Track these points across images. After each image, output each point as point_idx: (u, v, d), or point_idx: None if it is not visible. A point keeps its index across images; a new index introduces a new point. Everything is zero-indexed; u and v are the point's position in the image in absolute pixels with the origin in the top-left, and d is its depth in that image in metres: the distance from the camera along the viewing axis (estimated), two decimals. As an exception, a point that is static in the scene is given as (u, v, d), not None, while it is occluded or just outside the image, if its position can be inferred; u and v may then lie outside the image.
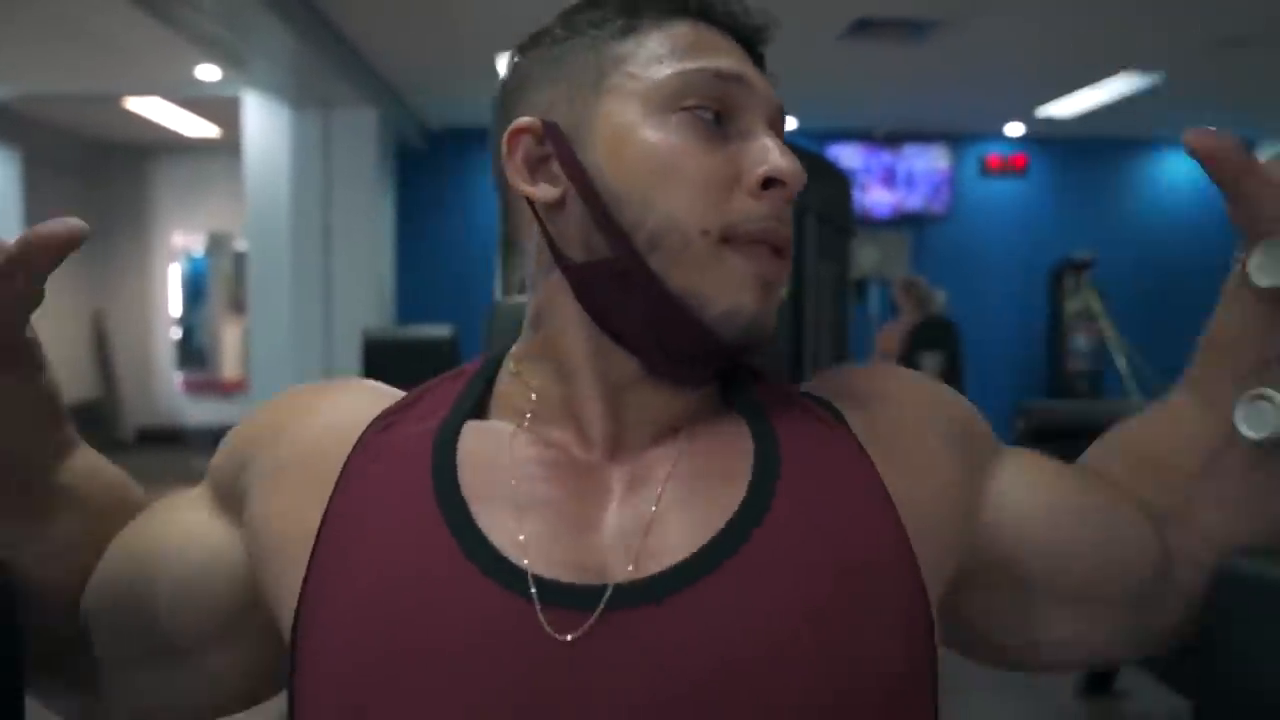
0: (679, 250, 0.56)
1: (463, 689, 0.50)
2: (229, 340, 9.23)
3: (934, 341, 5.43)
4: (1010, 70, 5.76)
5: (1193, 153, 0.60)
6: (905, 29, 4.66)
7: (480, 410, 0.63)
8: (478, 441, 0.59)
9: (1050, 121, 7.06)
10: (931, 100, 6.62)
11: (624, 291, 0.57)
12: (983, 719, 3.19)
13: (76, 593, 0.64)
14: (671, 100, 0.58)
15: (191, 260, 8.72)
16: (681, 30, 0.61)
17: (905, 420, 0.62)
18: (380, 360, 1.89)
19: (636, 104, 0.58)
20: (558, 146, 0.59)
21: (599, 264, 0.57)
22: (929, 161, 7.64)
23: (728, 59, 0.61)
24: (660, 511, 0.55)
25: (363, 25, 4.95)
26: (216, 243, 8.89)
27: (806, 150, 2.60)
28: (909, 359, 5.29)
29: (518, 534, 0.53)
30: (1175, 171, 7.52)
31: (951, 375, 5.40)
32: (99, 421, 7.77)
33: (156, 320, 8.52)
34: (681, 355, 0.59)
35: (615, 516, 0.55)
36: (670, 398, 0.60)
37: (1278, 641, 0.57)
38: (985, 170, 7.78)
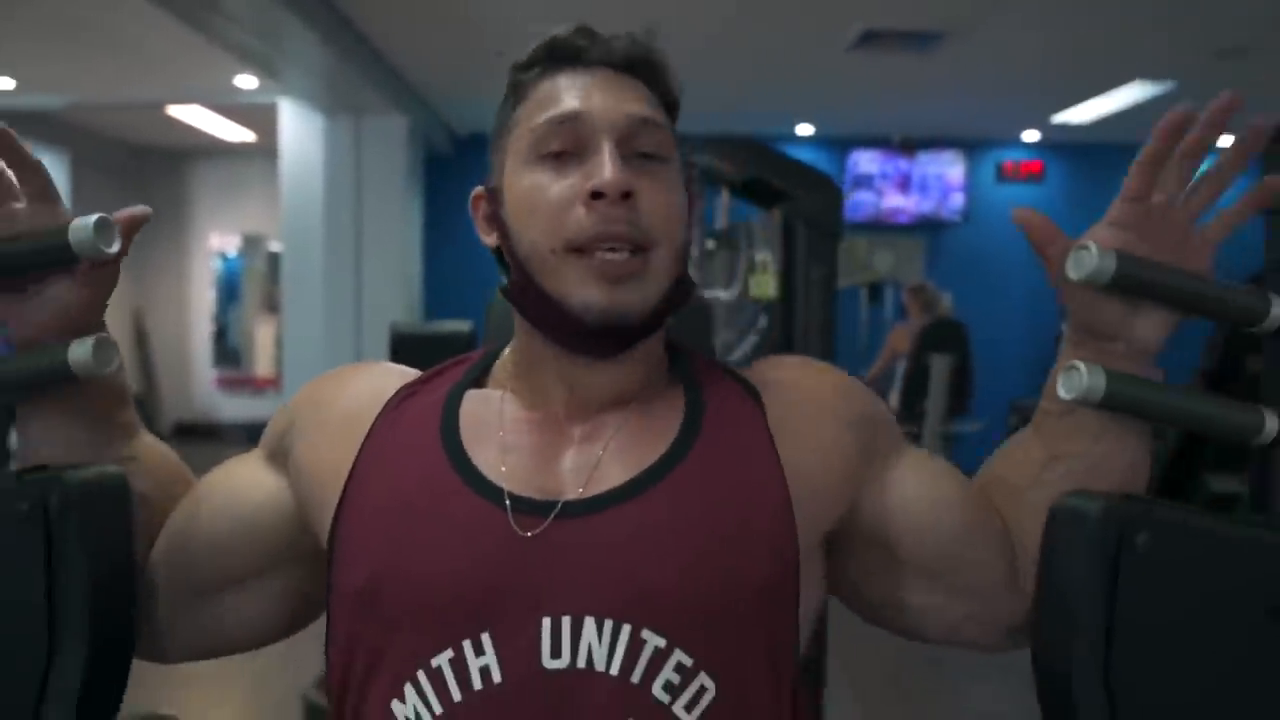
0: (542, 266, 0.73)
1: (452, 566, 0.69)
2: (262, 339, 9.47)
3: (944, 343, 5.56)
4: (1023, 78, 5.87)
5: (1019, 226, 0.77)
6: (911, 40, 4.79)
7: (480, 384, 0.81)
8: (475, 404, 0.78)
9: (1065, 128, 7.15)
10: (946, 107, 6.73)
11: (525, 301, 0.75)
12: (970, 700, 3.32)
13: (143, 550, 0.80)
14: (530, 152, 0.75)
15: (225, 260, 8.97)
16: (544, 88, 0.76)
17: (808, 405, 0.79)
18: (406, 351, 2.09)
19: (516, 161, 0.76)
20: (490, 206, 0.79)
21: (510, 285, 0.77)
22: (945, 167, 7.74)
23: (570, 100, 0.74)
24: (605, 455, 0.74)
25: (392, 36, 5.15)
26: (251, 244, 9.12)
27: (793, 160, 2.77)
28: (919, 359, 5.43)
29: (500, 466, 0.73)
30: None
31: (961, 375, 5.53)
32: (139, 415, 8.02)
33: (193, 319, 8.76)
34: (575, 340, 0.74)
35: (572, 457, 0.74)
36: (609, 374, 0.76)
37: (1081, 556, 0.73)
38: (1001, 176, 7.87)
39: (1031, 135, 7.64)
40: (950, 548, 0.79)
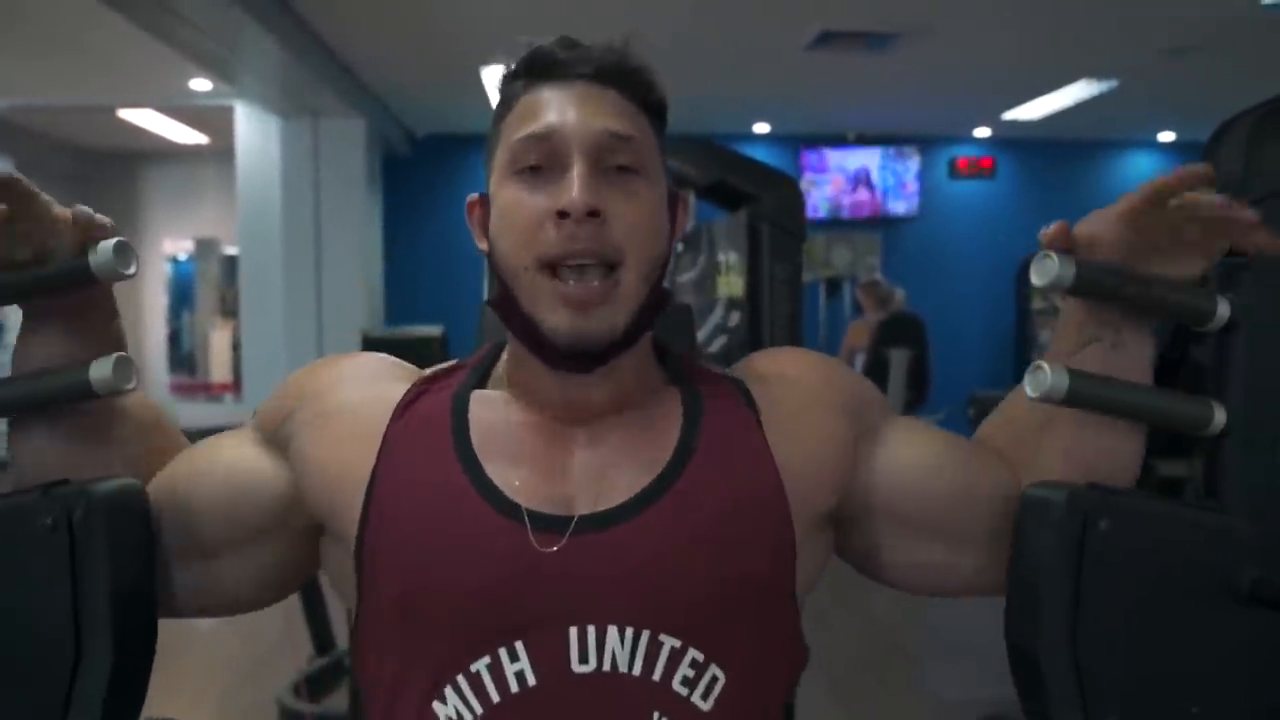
0: (517, 282, 0.76)
1: (483, 583, 0.73)
2: (217, 344, 9.34)
3: (902, 337, 5.66)
4: (975, 77, 6.00)
5: (1044, 244, 0.78)
6: (867, 40, 4.88)
7: (483, 383, 0.84)
8: (482, 409, 0.81)
9: (1016, 124, 7.31)
10: (901, 105, 6.85)
11: (507, 315, 0.78)
12: (938, 686, 3.40)
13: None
14: (509, 168, 0.77)
15: (178, 265, 8.83)
16: (524, 102, 0.78)
17: (798, 398, 0.83)
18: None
19: (498, 174, 0.79)
20: (482, 214, 0.82)
21: (496, 297, 0.80)
22: (899, 163, 7.87)
23: (546, 117, 0.76)
24: (611, 465, 0.78)
25: (349, 38, 5.13)
26: (204, 248, 8.99)
27: (758, 163, 2.83)
28: (878, 354, 5.53)
29: (514, 480, 0.77)
30: (1134, 171, 7.81)
31: (918, 369, 5.64)
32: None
33: (147, 324, 8.63)
34: (550, 358, 0.77)
35: (579, 466, 0.78)
36: (598, 382, 0.79)
37: (1048, 541, 0.78)
38: (954, 172, 8.01)
39: (983, 132, 7.79)
40: (948, 506, 0.84)
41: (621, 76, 0.79)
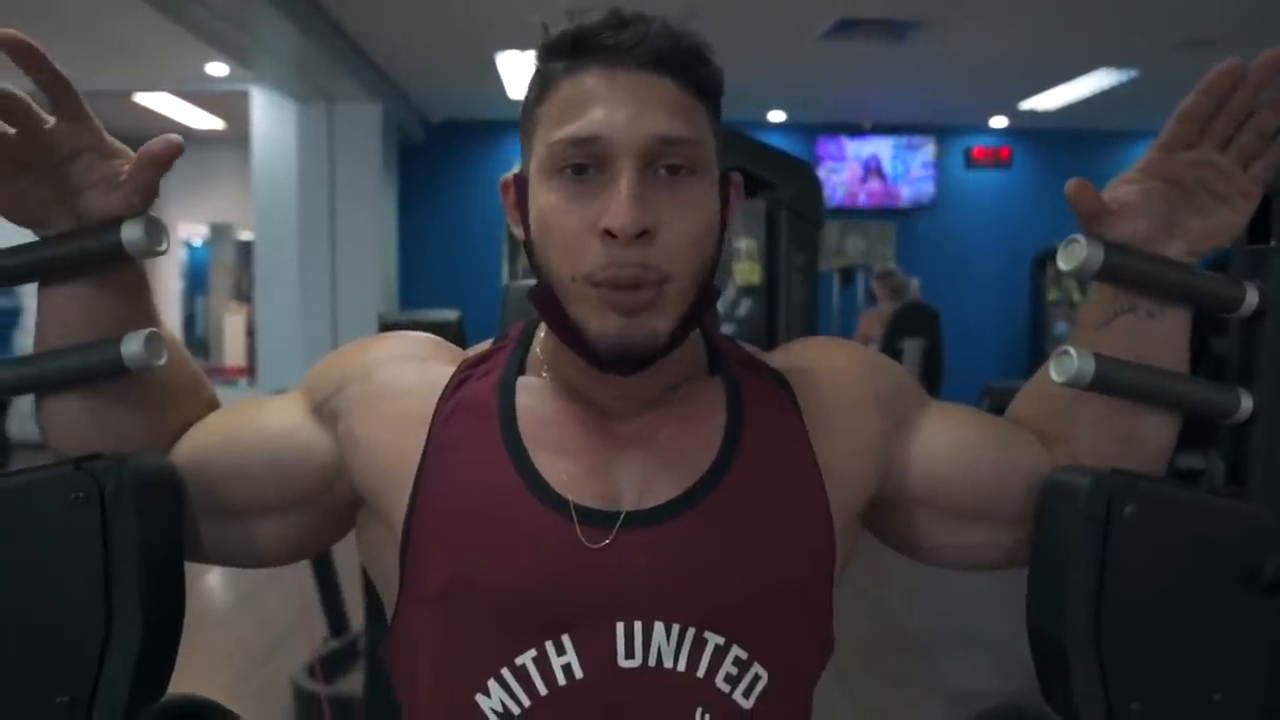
0: (562, 289, 0.73)
1: (530, 577, 0.73)
2: (231, 328, 9.39)
3: (915, 328, 5.65)
4: (993, 66, 5.96)
5: (1070, 197, 0.78)
6: (885, 29, 4.86)
7: (523, 367, 0.82)
8: (528, 397, 0.80)
9: (1033, 114, 7.27)
10: (917, 94, 6.81)
11: (550, 316, 0.75)
12: (948, 676, 3.40)
13: (163, 446, 0.81)
14: (549, 166, 0.72)
15: (192, 250, 8.87)
16: (567, 89, 0.72)
17: (837, 391, 0.83)
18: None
19: (536, 168, 0.74)
20: (519, 198, 0.77)
21: (537, 294, 0.77)
22: (915, 153, 7.84)
23: (591, 117, 0.70)
24: (656, 461, 0.78)
25: (366, 23, 5.13)
26: (218, 233, 9.03)
27: (777, 150, 2.81)
28: (891, 344, 5.52)
29: (561, 474, 0.76)
30: (1153, 163, 7.75)
31: (932, 359, 5.63)
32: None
33: (161, 309, 8.63)
34: (594, 362, 0.74)
35: (624, 462, 0.78)
36: (643, 377, 0.76)
37: (1073, 526, 0.78)
38: (970, 161, 7.98)
39: (999, 121, 7.75)
40: (986, 488, 0.84)
41: (676, 62, 0.72)
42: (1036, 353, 7.45)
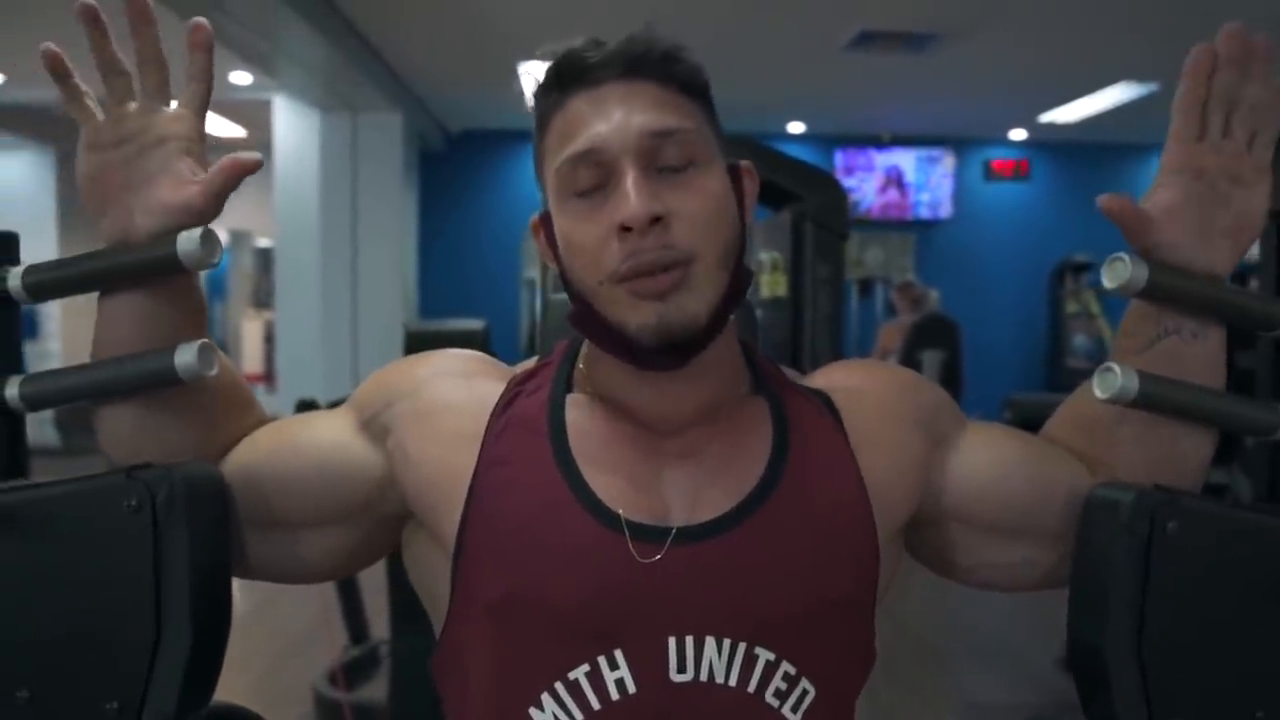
0: (594, 297, 0.75)
1: (582, 590, 0.74)
2: (249, 335, 9.44)
3: (935, 339, 5.63)
4: (1013, 79, 5.95)
5: (1106, 212, 0.80)
6: (906, 41, 4.86)
7: (569, 385, 0.83)
8: (577, 414, 0.81)
9: (1052, 127, 7.24)
10: (936, 106, 6.81)
11: (589, 329, 0.78)
12: (966, 688, 3.38)
13: (213, 458, 0.82)
14: (563, 192, 0.76)
15: (212, 257, 8.90)
16: (560, 118, 0.76)
17: (880, 411, 0.84)
18: (420, 351, 2.12)
19: (553, 198, 0.78)
20: (547, 234, 0.80)
21: (574, 315, 0.79)
22: (934, 165, 7.82)
23: (587, 131, 0.74)
24: (705, 476, 0.78)
25: (389, 32, 5.17)
26: (237, 240, 9.09)
27: (802, 163, 2.82)
28: (910, 356, 5.50)
29: (611, 490, 0.77)
30: (1174, 176, 7.71)
31: (952, 372, 5.61)
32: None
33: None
34: (640, 360, 0.76)
35: (673, 478, 0.78)
36: (688, 385, 0.79)
37: (1115, 542, 0.78)
38: (989, 174, 7.96)
39: (1019, 134, 7.73)
40: (1025, 507, 0.84)
41: (652, 65, 0.76)
42: (1055, 365, 7.43)
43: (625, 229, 0.72)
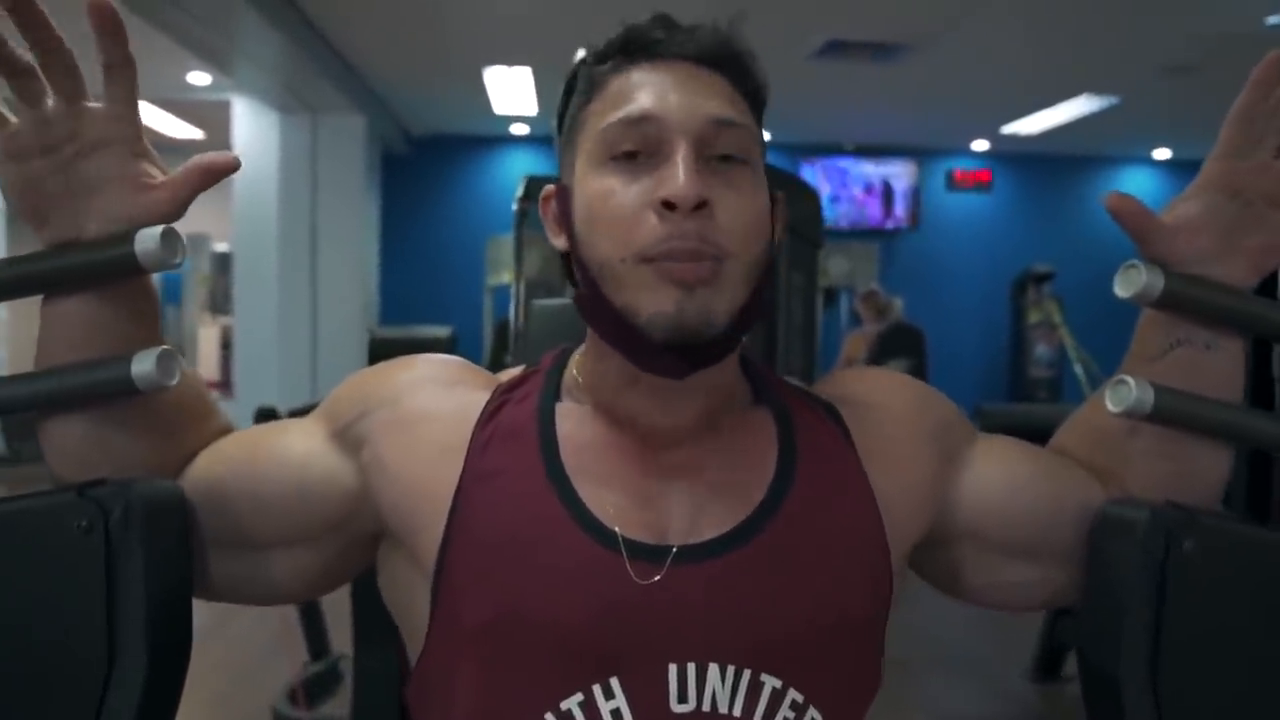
0: (610, 276, 0.69)
1: (576, 613, 0.69)
2: (205, 341, 9.27)
3: (901, 348, 5.65)
4: (976, 90, 6.01)
5: (1112, 212, 0.76)
6: (874, 51, 4.88)
7: (559, 394, 0.78)
8: (569, 424, 0.75)
9: (1014, 138, 7.33)
10: (900, 117, 6.86)
11: (594, 314, 0.72)
12: (934, 700, 3.37)
13: (171, 471, 0.76)
14: (601, 153, 0.70)
15: (167, 260, 8.74)
16: (617, 84, 0.72)
17: (890, 424, 0.79)
18: (385, 358, 2.06)
19: (586, 161, 0.71)
20: (560, 206, 0.74)
21: (579, 296, 0.74)
22: (897, 175, 7.88)
23: (644, 100, 0.70)
24: (707, 492, 0.73)
25: (351, 34, 5.10)
26: (194, 244, 8.92)
27: (778, 170, 2.77)
28: (876, 364, 5.52)
29: (607, 505, 0.71)
30: (1131, 188, 7.77)
31: (918, 379, 5.63)
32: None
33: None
34: (645, 359, 0.70)
35: (672, 493, 0.73)
36: (692, 397, 0.74)
37: (1130, 562, 0.75)
38: (951, 184, 8.04)
39: (981, 145, 7.81)
40: (1036, 525, 0.80)
41: (728, 59, 0.72)
42: (1018, 374, 7.49)
43: (668, 206, 0.66)
